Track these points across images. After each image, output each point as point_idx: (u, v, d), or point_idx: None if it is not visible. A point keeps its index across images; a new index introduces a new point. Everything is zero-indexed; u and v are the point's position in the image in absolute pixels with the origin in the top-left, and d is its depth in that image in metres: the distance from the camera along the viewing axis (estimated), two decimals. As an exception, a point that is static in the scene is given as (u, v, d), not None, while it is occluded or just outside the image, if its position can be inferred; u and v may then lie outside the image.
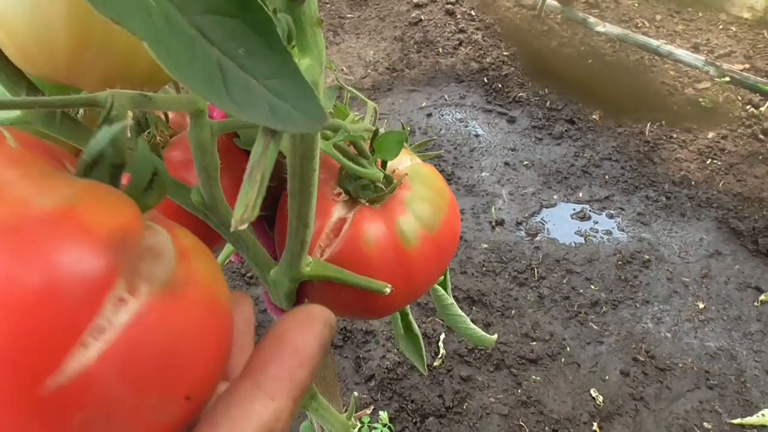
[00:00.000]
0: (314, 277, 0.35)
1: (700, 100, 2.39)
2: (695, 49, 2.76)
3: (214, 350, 0.18)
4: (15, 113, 0.29)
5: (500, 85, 2.63)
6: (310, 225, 0.31)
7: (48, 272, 0.13)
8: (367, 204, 0.39)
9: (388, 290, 0.36)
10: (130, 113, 0.18)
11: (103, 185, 0.17)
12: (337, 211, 0.39)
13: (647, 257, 1.86)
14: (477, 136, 2.40)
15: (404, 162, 0.43)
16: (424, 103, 2.59)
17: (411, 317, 0.65)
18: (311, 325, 0.21)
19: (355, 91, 0.52)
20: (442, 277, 0.65)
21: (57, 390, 0.12)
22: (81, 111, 0.43)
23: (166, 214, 0.22)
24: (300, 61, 0.21)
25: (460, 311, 0.68)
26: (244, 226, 0.18)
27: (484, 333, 0.70)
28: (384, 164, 0.41)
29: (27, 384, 0.12)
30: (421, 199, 0.40)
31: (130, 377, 0.14)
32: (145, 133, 0.43)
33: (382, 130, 0.42)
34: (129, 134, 0.18)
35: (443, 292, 0.66)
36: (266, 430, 0.19)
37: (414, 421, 1.42)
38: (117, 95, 0.18)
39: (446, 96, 2.63)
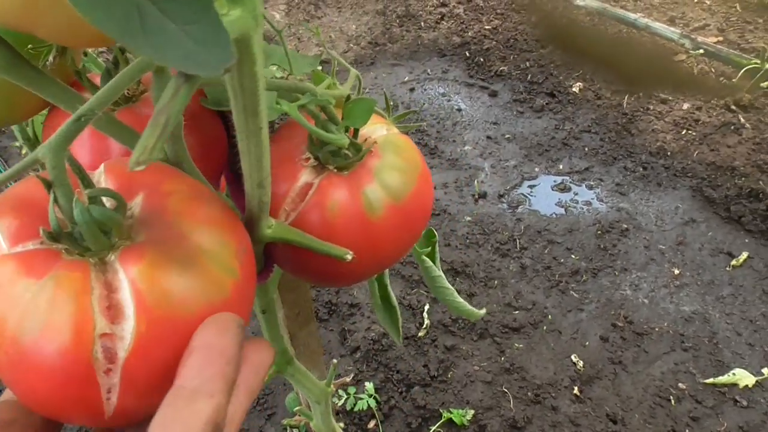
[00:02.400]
0: (276, 239, 0.35)
1: (676, 72, 2.43)
2: (671, 22, 2.78)
3: None
4: None
5: (482, 59, 2.63)
6: (265, 186, 0.31)
7: None
8: (336, 171, 0.39)
9: (349, 257, 0.36)
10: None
11: None
12: (304, 176, 0.38)
13: (625, 226, 1.90)
14: (459, 110, 2.41)
15: (379, 131, 0.43)
16: (406, 78, 2.58)
17: (389, 289, 0.66)
18: (228, 329, 0.25)
19: (341, 59, 0.52)
20: (430, 248, 0.66)
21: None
22: (50, 60, 0.43)
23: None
24: (229, 12, 0.21)
25: (447, 284, 0.69)
26: (141, 168, 0.19)
27: (470, 307, 0.71)
28: (356, 132, 0.40)
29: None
30: (390, 168, 0.40)
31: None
32: None
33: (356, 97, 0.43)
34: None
35: (431, 263, 0.66)
36: (212, 423, 0.22)
37: (399, 390, 1.46)
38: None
39: (429, 70, 2.63)
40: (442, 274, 0.68)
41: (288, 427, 1.35)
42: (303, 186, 0.38)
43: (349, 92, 0.41)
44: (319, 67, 0.52)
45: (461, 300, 0.71)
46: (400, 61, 2.68)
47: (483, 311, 0.73)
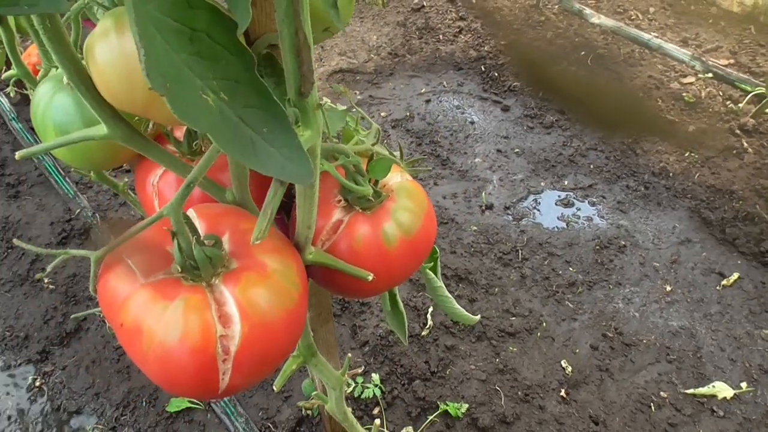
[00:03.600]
0: (315, 263, 0.49)
1: (684, 94, 2.52)
2: (684, 42, 2.87)
3: None
4: (104, 131, 0.43)
5: (496, 74, 2.74)
6: (312, 226, 0.45)
7: None
8: (361, 210, 0.52)
9: (370, 278, 0.49)
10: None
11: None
12: (337, 215, 0.52)
13: (623, 243, 2.01)
14: (472, 123, 2.53)
15: (395, 178, 0.57)
16: (423, 89, 2.71)
17: (398, 297, 0.80)
18: None
19: (363, 112, 0.66)
20: (432, 263, 0.80)
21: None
22: (150, 126, 0.58)
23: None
24: (303, 133, 0.33)
25: (447, 293, 0.83)
26: (258, 242, 0.33)
27: (467, 313, 0.85)
28: (377, 182, 0.55)
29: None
30: (403, 209, 0.53)
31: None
32: (194, 143, 0.58)
33: (382, 148, 0.57)
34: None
35: (433, 276, 0.80)
36: None
37: (402, 383, 1.60)
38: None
39: (445, 83, 2.75)
40: (443, 285, 0.82)
41: (303, 409, 1.50)
42: (336, 222, 0.52)
43: (372, 147, 0.56)
44: (349, 121, 0.66)
45: (459, 307, 0.84)
46: (418, 73, 2.81)
47: (478, 317, 0.87)
